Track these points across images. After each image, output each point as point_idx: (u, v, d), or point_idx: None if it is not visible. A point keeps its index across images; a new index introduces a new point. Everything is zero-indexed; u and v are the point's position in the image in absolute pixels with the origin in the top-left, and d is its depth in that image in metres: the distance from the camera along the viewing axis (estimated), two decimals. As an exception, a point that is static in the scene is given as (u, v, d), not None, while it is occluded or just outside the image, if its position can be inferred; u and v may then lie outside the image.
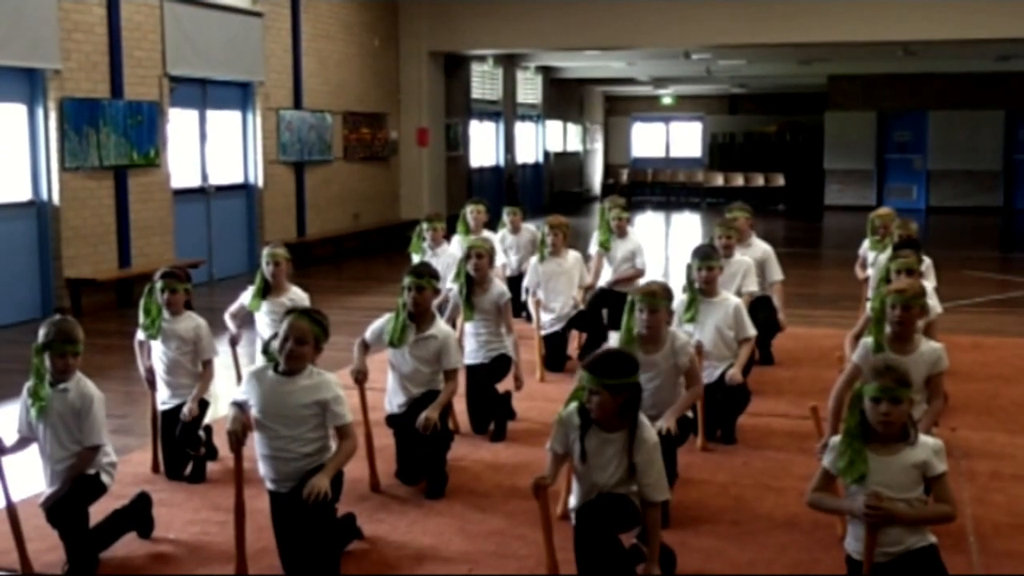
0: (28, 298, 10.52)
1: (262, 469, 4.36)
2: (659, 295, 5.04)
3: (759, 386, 7.52)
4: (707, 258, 6.05)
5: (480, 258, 6.42)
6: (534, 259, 8.33)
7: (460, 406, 6.31)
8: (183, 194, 13.04)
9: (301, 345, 4.20)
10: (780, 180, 27.44)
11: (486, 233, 9.15)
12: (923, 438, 3.71)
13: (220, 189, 13.88)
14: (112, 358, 8.67)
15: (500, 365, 6.49)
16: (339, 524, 4.45)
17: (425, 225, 8.73)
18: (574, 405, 4.07)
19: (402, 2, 18.44)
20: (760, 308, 7.48)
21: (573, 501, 4.19)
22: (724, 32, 17.21)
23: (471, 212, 9.37)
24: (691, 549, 4.73)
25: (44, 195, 10.93)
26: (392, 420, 5.53)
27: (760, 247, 8.12)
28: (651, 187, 31.26)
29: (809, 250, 18.44)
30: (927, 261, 7.21)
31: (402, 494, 5.45)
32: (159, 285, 5.70)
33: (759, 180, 28.15)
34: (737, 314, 6.01)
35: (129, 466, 5.97)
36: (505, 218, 9.93)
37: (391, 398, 5.54)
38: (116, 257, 11.65)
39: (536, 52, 21.85)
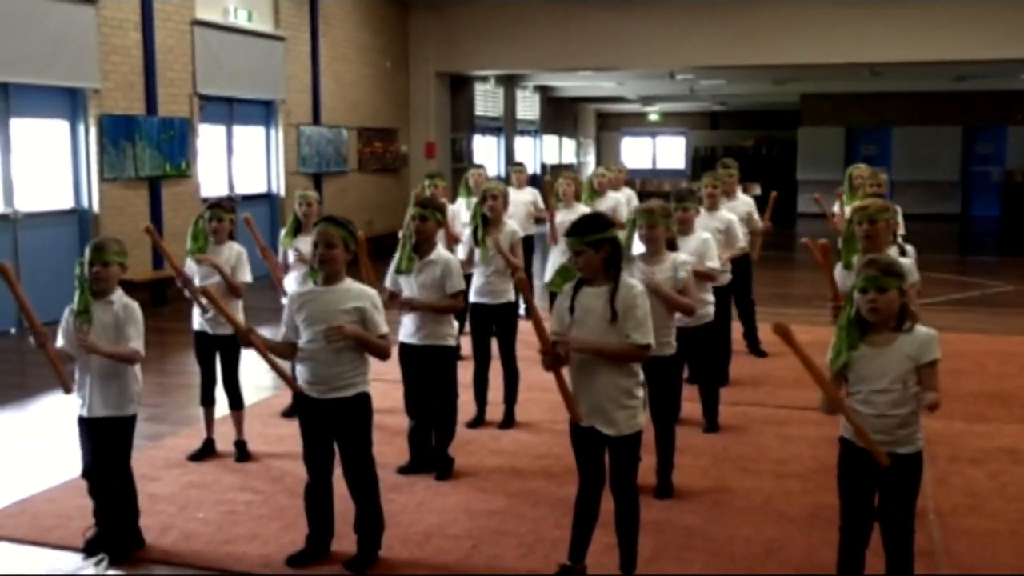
0: (70, 298, 10.48)
1: (299, 371, 4.30)
2: (657, 212, 4.98)
3: (737, 377, 7.55)
4: (683, 200, 5.92)
5: (495, 199, 6.32)
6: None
7: (467, 395, 6.30)
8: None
9: (331, 248, 4.18)
10: (757, 190, 27.26)
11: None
12: (919, 328, 3.46)
13: (246, 198, 13.88)
14: (147, 352, 8.67)
15: (509, 322, 6.44)
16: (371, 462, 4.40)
17: (427, 182, 8.62)
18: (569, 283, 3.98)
19: (412, 28, 18.46)
20: (736, 288, 7.39)
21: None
22: (706, 55, 17.22)
23: (472, 176, 9.44)
24: (674, 527, 4.74)
25: (85, 203, 10.95)
26: (403, 350, 5.49)
27: (744, 200, 8.06)
28: (639, 196, 31.04)
29: (783, 254, 18.41)
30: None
31: (412, 477, 5.45)
32: (207, 215, 5.82)
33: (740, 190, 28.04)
34: (704, 245, 5.83)
35: (162, 451, 5.98)
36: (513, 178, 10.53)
37: (403, 328, 5.48)
38: (150, 260, 11.66)
39: (534, 73, 21.84)
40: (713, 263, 5.88)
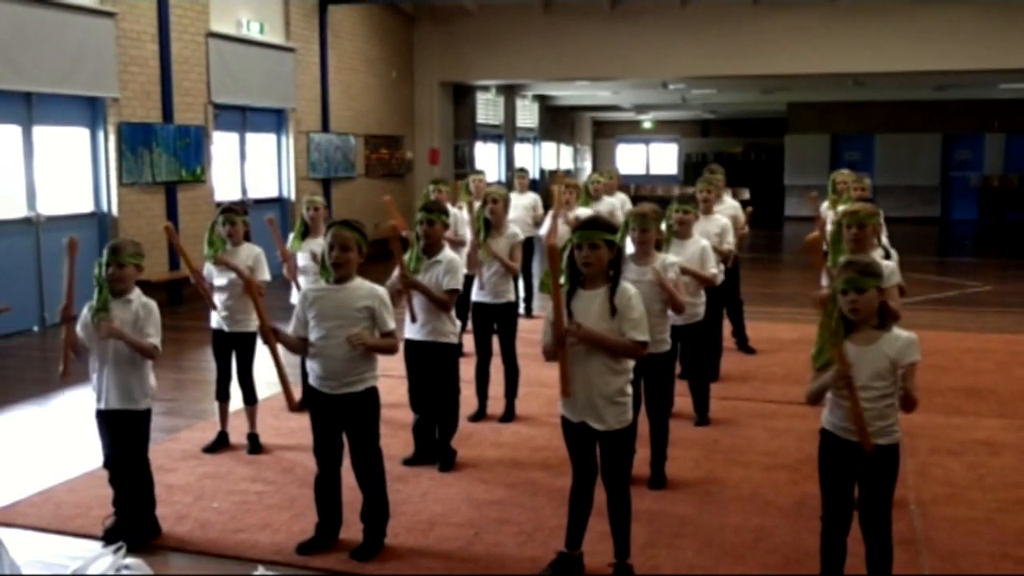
0: (90, 297, 10.47)
1: (311, 367, 4.31)
2: (649, 216, 4.98)
3: (727, 373, 7.55)
4: (684, 202, 5.91)
5: (496, 203, 6.30)
6: (551, 214, 8.40)
7: (469, 389, 6.30)
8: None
9: (346, 251, 4.18)
10: (746, 194, 27.40)
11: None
12: (898, 331, 3.46)
13: (257, 202, 13.87)
14: (163, 349, 8.68)
15: (509, 320, 6.40)
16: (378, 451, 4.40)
17: (431, 187, 8.57)
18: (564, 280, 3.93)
19: (416, 40, 18.45)
20: (726, 287, 7.32)
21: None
22: (697, 65, 17.22)
23: (473, 180, 9.40)
24: (667, 516, 4.74)
25: (104, 207, 10.95)
26: (407, 346, 5.48)
27: (730, 203, 8.00)
28: (633, 200, 31.04)
29: (771, 255, 18.43)
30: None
31: (416, 469, 5.46)
32: (220, 219, 5.76)
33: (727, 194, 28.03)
34: (704, 253, 5.81)
35: (178, 443, 5.98)
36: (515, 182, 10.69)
37: (408, 324, 5.47)
38: (167, 261, 11.68)
39: (533, 83, 21.84)
40: (714, 269, 5.90)
